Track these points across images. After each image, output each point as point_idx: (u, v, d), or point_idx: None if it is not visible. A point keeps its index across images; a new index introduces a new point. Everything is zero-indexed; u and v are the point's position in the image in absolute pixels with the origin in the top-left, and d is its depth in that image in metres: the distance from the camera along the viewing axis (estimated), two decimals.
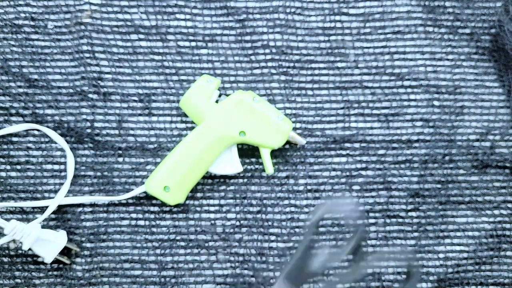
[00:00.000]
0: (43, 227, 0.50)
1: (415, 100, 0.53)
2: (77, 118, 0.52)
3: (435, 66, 0.53)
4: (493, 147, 0.53)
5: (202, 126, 0.49)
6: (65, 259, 0.50)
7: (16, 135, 0.52)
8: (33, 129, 0.52)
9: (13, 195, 0.52)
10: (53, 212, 0.51)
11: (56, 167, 0.52)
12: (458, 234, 0.53)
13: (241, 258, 0.52)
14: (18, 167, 0.52)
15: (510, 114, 0.53)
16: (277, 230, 0.52)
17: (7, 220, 0.48)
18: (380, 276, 0.52)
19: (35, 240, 0.48)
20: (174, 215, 0.52)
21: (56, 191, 0.51)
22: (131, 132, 0.52)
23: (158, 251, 0.52)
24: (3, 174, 0.52)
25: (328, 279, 0.49)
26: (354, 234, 0.49)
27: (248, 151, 0.52)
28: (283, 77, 0.53)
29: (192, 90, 0.49)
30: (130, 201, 0.52)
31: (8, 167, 0.52)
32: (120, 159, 0.52)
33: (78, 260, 0.52)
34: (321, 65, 0.53)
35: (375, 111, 0.53)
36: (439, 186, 0.53)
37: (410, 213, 0.52)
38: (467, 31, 0.53)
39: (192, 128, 0.52)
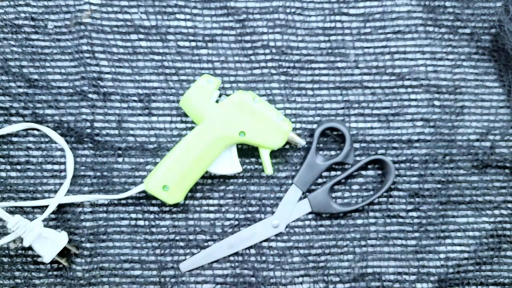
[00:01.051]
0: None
1: (415, 100, 0.53)
2: (77, 118, 0.52)
3: (436, 66, 0.53)
4: (493, 147, 0.52)
5: (202, 126, 0.49)
6: (63, 261, 0.50)
7: (16, 135, 0.52)
8: (33, 129, 0.52)
9: (13, 195, 0.52)
10: (53, 212, 0.51)
11: (56, 167, 0.52)
12: (459, 234, 0.52)
13: (241, 258, 0.52)
14: (18, 167, 0.52)
15: (510, 114, 0.53)
16: None
17: None
18: (380, 276, 0.52)
19: (37, 237, 0.48)
20: (174, 215, 0.52)
21: (56, 191, 0.52)
22: (131, 132, 0.52)
23: (157, 251, 0.52)
24: (3, 174, 0.52)
25: None
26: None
27: (247, 151, 0.52)
28: (283, 77, 0.53)
29: (192, 90, 0.49)
30: (130, 201, 0.52)
31: (8, 167, 0.52)
32: (120, 159, 0.52)
33: (78, 260, 0.52)
34: (321, 65, 0.53)
35: (375, 111, 0.53)
36: (439, 186, 0.53)
37: (410, 213, 0.52)
38: (467, 31, 0.53)
39: (192, 128, 0.52)
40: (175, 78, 0.53)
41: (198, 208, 0.52)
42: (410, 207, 0.52)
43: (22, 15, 0.53)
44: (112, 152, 0.52)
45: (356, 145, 0.53)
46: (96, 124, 0.52)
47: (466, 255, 0.52)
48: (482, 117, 0.53)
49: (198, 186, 0.52)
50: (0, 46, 0.52)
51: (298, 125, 0.53)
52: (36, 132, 0.52)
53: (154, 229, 0.52)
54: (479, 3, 0.53)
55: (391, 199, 0.53)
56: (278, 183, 0.52)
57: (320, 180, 0.53)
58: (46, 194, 0.52)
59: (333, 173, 0.53)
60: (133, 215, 0.52)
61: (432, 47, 0.53)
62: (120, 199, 0.52)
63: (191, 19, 0.53)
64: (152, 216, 0.52)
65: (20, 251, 0.52)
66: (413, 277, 0.52)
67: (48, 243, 0.49)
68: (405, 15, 0.53)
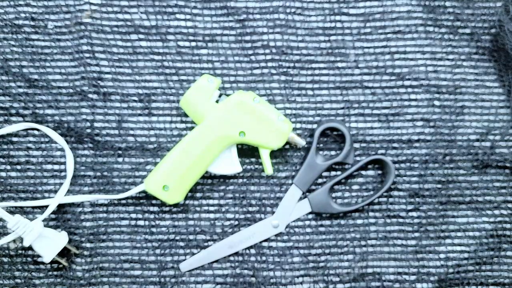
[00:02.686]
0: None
1: (415, 100, 0.53)
2: (77, 118, 0.52)
3: (436, 66, 0.53)
4: (493, 147, 0.52)
5: (202, 126, 0.49)
6: (63, 261, 0.50)
7: (16, 135, 0.52)
8: (33, 129, 0.52)
9: (13, 195, 0.52)
10: (53, 212, 0.51)
11: (56, 167, 0.52)
12: (459, 234, 0.52)
13: (241, 258, 0.52)
14: (18, 167, 0.52)
15: (510, 114, 0.53)
16: None
17: None
18: (380, 276, 0.52)
19: (37, 237, 0.48)
20: (174, 215, 0.52)
21: (56, 191, 0.52)
22: (131, 132, 0.52)
23: (158, 251, 0.52)
24: (3, 174, 0.52)
25: None
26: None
27: (247, 151, 0.52)
28: (283, 77, 0.53)
29: (192, 90, 0.49)
30: (130, 201, 0.52)
31: (8, 167, 0.52)
32: (120, 159, 0.52)
33: (78, 260, 0.52)
34: (321, 65, 0.53)
35: (375, 111, 0.53)
36: (439, 186, 0.53)
37: (410, 213, 0.52)
38: (467, 31, 0.53)
39: (192, 128, 0.52)
40: (175, 78, 0.53)
41: (198, 208, 0.52)
42: (410, 207, 0.52)
43: (22, 15, 0.53)
44: (112, 152, 0.52)
45: (356, 145, 0.53)
46: (96, 124, 0.52)
47: (466, 255, 0.52)
48: (482, 117, 0.53)
49: (198, 186, 0.52)
50: (0, 46, 0.52)
51: (298, 125, 0.53)
52: (36, 132, 0.52)
53: (154, 229, 0.52)
54: (479, 3, 0.53)
55: (391, 199, 0.53)
56: (278, 183, 0.52)
57: (320, 180, 0.53)
58: (46, 194, 0.52)
59: (333, 173, 0.53)
60: (133, 215, 0.52)
61: (432, 47, 0.53)
62: (120, 199, 0.52)
63: (191, 19, 0.53)
64: (152, 216, 0.52)
65: (20, 251, 0.52)
66: (413, 277, 0.52)
67: (48, 242, 0.49)
68: (405, 15, 0.53)
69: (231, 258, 0.52)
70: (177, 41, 0.53)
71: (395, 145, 0.53)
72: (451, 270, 0.52)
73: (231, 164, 0.50)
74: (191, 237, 0.52)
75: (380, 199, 0.53)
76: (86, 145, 0.52)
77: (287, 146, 0.52)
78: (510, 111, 0.53)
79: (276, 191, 0.52)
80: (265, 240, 0.52)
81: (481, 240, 0.52)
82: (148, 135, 0.52)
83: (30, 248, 0.51)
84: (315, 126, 0.52)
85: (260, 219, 0.52)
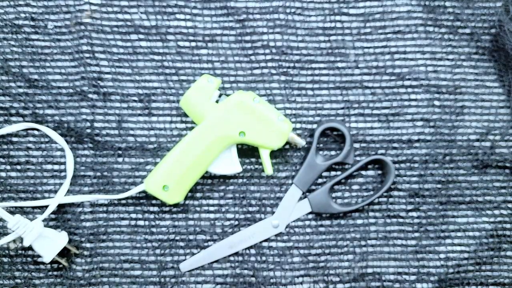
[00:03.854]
0: None
1: (415, 100, 0.53)
2: (77, 118, 0.52)
3: (436, 66, 0.53)
4: (493, 147, 0.52)
5: (202, 126, 0.49)
6: (63, 261, 0.50)
7: (16, 135, 0.52)
8: (33, 129, 0.52)
9: (13, 195, 0.52)
10: (53, 212, 0.51)
11: (56, 167, 0.52)
12: (459, 234, 0.52)
13: (241, 258, 0.52)
14: (18, 167, 0.52)
15: (510, 114, 0.53)
16: None
17: None
18: (380, 276, 0.52)
19: (37, 237, 0.48)
20: (174, 215, 0.52)
21: (56, 191, 0.52)
22: (131, 132, 0.52)
23: (158, 251, 0.52)
24: (3, 174, 0.52)
25: None
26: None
27: (247, 151, 0.52)
28: (283, 77, 0.53)
29: (192, 90, 0.49)
30: (130, 201, 0.52)
31: (8, 167, 0.52)
32: (120, 159, 0.52)
33: (78, 260, 0.52)
34: (321, 65, 0.53)
35: (375, 111, 0.53)
36: (439, 186, 0.53)
37: (410, 213, 0.52)
38: (467, 31, 0.53)
39: (192, 128, 0.52)
40: (175, 78, 0.53)
41: (198, 208, 0.52)
42: (410, 207, 0.52)
43: (22, 15, 0.53)
44: (112, 152, 0.52)
45: (356, 145, 0.53)
46: (96, 124, 0.52)
47: (466, 255, 0.52)
48: (482, 117, 0.53)
49: (198, 186, 0.52)
50: (0, 46, 0.52)
51: (298, 125, 0.53)
52: (36, 132, 0.52)
53: (154, 229, 0.52)
54: (479, 3, 0.53)
55: (391, 199, 0.53)
56: (278, 183, 0.52)
57: (320, 180, 0.53)
58: (46, 194, 0.52)
59: (333, 173, 0.53)
60: (133, 215, 0.52)
61: (432, 47, 0.53)
62: (120, 199, 0.52)
63: (191, 19, 0.53)
64: (152, 216, 0.52)
65: (20, 251, 0.52)
66: (413, 277, 0.52)
67: (48, 242, 0.49)
68: (405, 15, 0.53)
69: (231, 258, 0.52)
70: (177, 41, 0.53)
71: (395, 145, 0.53)
72: (451, 270, 0.52)
73: (231, 164, 0.50)
74: (191, 237, 0.52)
75: (380, 199, 0.53)
76: (86, 145, 0.52)
77: (287, 146, 0.53)
78: (510, 111, 0.53)
79: (276, 191, 0.52)
80: (265, 240, 0.52)
81: (481, 240, 0.52)
82: (148, 135, 0.52)
83: (30, 248, 0.51)
84: (315, 126, 0.52)
85: (260, 219, 0.52)
